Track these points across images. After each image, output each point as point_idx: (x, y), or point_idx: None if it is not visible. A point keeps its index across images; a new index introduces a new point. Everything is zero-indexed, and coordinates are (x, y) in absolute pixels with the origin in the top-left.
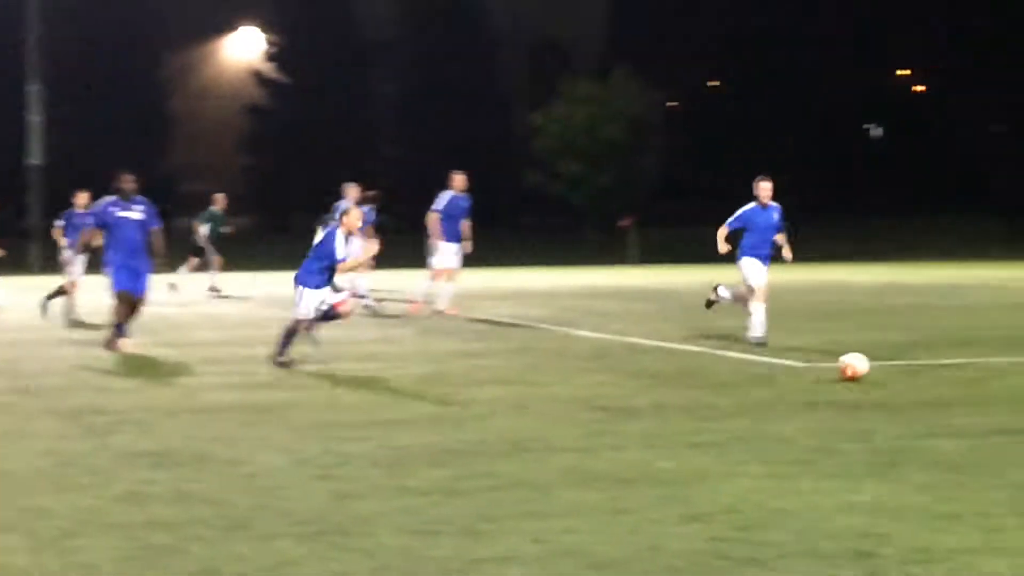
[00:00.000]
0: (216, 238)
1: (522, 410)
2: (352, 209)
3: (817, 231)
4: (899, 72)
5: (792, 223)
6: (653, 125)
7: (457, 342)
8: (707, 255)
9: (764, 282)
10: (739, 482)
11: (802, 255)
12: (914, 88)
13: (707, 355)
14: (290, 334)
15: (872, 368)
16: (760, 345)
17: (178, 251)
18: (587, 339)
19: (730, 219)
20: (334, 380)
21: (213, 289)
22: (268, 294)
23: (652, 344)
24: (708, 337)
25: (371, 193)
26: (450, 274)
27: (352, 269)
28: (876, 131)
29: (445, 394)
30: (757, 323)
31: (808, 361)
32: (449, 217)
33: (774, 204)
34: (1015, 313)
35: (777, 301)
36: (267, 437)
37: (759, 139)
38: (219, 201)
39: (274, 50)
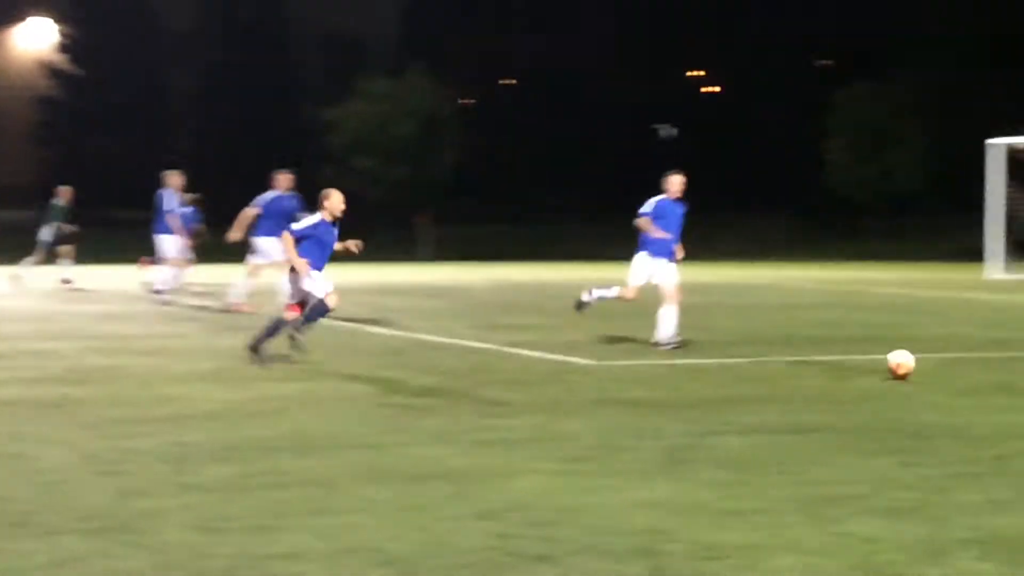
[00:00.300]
0: (57, 231)
1: (312, 406)
2: (333, 193)
3: (606, 231)
4: (691, 73)
5: (578, 223)
6: (447, 122)
7: (246, 338)
8: (502, 253)
9: (676, 281)
10: (529, 479)
11: (596, 255)
12: (705, 89)
13: (499, 352)
14: (276, 328)
15: (660, 367)
16: (678, 347)
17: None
18: (379, 336)
19: (645, 209)
20: (121, 375)
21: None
22: (63, 287)
23: (444, 341)
24: (500, 334)
25: (195, 196)
26: (259, 270)
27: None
28: (668, 131)
29: (234, 390)
30: (670, 326)
31: (599, 359)
32: (270, 216)
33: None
34: (801, 312)
35: (568, 300)
36: (52, 432)
37: (549, 137)
38: (63, 194)
39: (67, 41)
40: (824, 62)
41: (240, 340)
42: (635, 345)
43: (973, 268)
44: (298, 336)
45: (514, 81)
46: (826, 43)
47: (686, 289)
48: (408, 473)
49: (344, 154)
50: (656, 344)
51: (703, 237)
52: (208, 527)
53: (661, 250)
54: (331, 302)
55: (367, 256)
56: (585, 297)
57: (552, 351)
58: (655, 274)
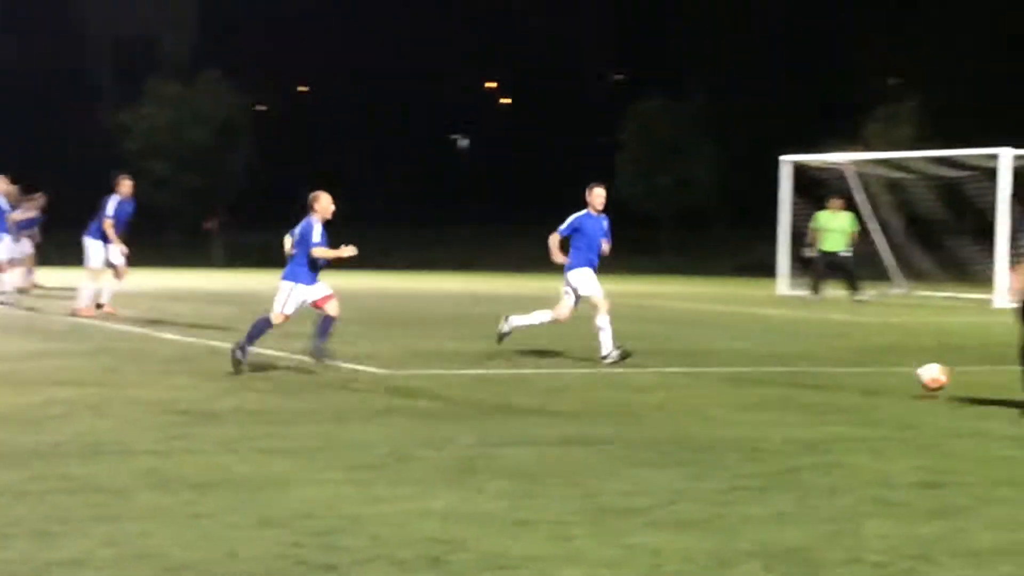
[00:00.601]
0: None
1: (100, 412)
2: (322, 195)
3: (402, 239)
4: (487, 84)
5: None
6: (240, 128)
7: (35, 341)
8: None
9: (602, 292)
10: (317, 487)
11: (386, 263)
12: (501, 100)
13: (287, 360)
14: (260, 330)
15: (451, 376)
16: (625, 357)
17: None
18: (169, 341)
19: (562, 226)
20: None
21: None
22: None
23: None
24: (291, 342)
25: (37, 196)
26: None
27: (328, 256)
28: (463, 142)
29: (20, 394)
30: (607, 338)
31: (387, 368)
32: (118, 221)
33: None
34: (586, 324)
35: (359, 308)
36: None
37: (345, 146)
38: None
39: None
40: (618, 76)
41: (30, 344)
42: (427, 355)
43: (764, 283)
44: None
45: (307, 88)
46: (620, 57)
47: (476, 299)
48: (195, 480)
49: (136, 159)
50: (603, 359)
51: (496, 249)
52: None
53: (582, 262)
54: (332, 310)
55: (159, 262)
56: (505, 327)
57: (344, 360)
58: (581, 287)
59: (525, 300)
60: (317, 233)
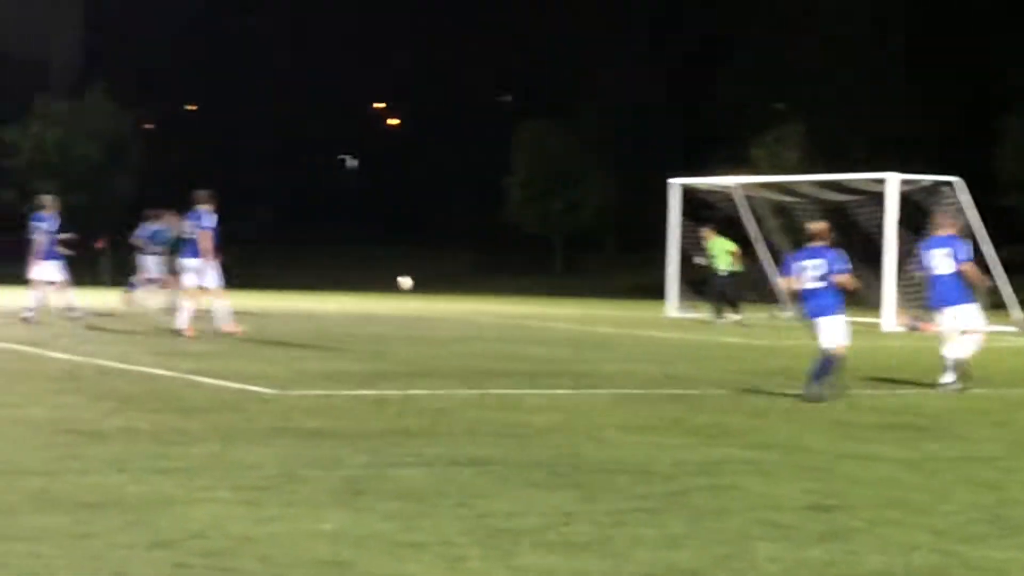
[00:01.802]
0: None
1: None
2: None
3: (289, 259)
4: (375, 105)
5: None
6: (129, 146)
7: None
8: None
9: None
10: (206, 507)
11: (275, 282)
12: (389, 121)
13: (177, 379)
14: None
15: (341, 397)
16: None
17: None
18: (57, 360)
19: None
20: None
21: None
22: None
23: (122, 367)
24: (179, 361)
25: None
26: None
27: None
28: (352, 163)
29: None
30: None
31: (279, 388)
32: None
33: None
34: (480, 345)
35: (248, 327)
36: None
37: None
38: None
39: None
40: (505, 98)
41: None
42: (316, 375)
43: (652, 305)
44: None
45: (195, 107)
46: (509, 79)
47: (363, 320)
48: (83, 500)
49: (22, 177)
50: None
51: (383, 269)
52: None
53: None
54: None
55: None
56: None
57: (232, 379)
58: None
59: (418, 320)
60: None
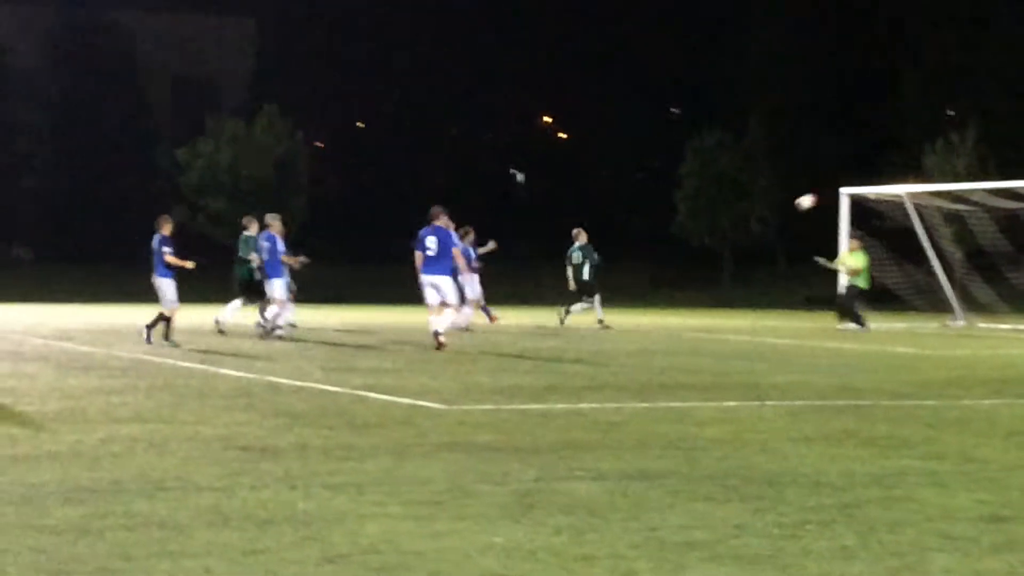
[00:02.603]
0: None
1: (161, 448)
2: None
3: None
4: (545, 119)
5: None
6: (299, 164)
7: (96, 378)
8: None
9: None
10: (377, 523)
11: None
12: (558, 135)
13: (347, 395)
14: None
15: (511, 412)
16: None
17: None
18: (229, 377)
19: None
20: None
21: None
22: None
23: (294, 384)
24: (351, 377)
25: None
26: None
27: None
28: (520, 176)
29: (82, 431)
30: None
31: (449, 403)
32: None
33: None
34: (652, 359)
35: (418, 344)
36: None
37: (406, 181)
38: None
39: None
40: (674, 110)
41: (91, 380)
42: (486, 390)
43: (823, 316)
44: None
45: (363, 125)
46: (676, 91)
47: (532, 334)
48: (256, 516)
49: (194, 195)
50: None
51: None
52: (55, 570)
53: None
54: None
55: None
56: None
57: (402, 395)
58: None
59: (590, 334)
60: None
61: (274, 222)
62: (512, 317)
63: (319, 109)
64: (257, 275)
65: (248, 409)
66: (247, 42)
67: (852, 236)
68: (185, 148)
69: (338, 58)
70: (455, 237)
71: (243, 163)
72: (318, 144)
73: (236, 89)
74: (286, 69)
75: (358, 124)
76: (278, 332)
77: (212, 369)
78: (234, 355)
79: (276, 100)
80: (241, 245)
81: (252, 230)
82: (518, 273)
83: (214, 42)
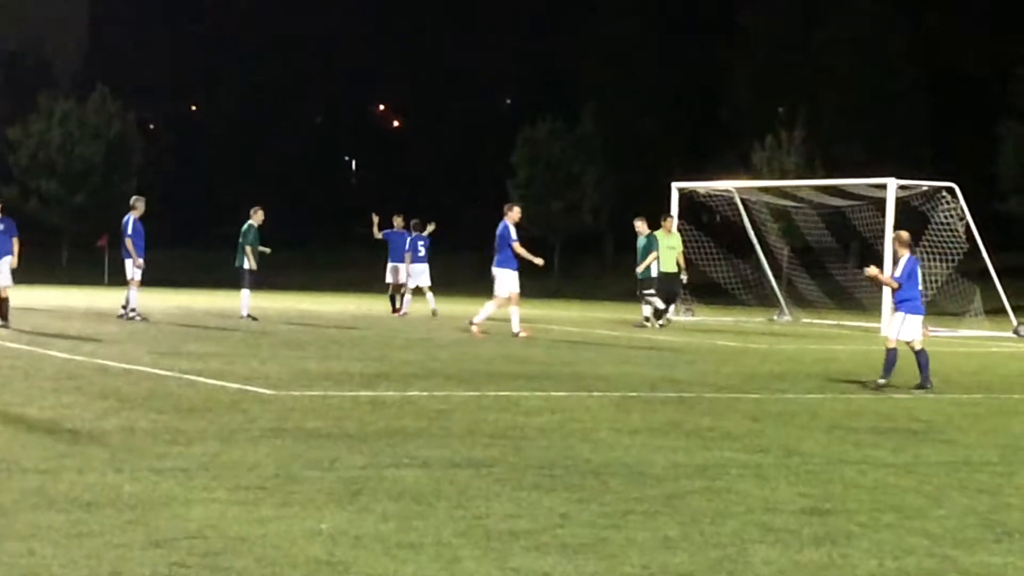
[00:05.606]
0: None
1: None
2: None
3: (295, 260)
4: (380, 106)
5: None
6: (131, 146)
7: None
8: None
9: None
10: (204, 507)
11: (276, 283)
12: (394, 123)
13: (175, 379)
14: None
15: (340, 398)
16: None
17: None
18: (57, 359)
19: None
20: None
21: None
22: None
23: (122, 366)
24: (180, 361)
25: None
26: None
27: None
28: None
29: None
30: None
31: (275, 388)
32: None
33: None
34: (478, 347)
35: (247, 327)
36: None
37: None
38: None
39: None
40: (507, 100)
41: None
42: (315, 376)
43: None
44: None
45: (195, 107)
46: (511, 81)
47: (365, 321)
48: (81, 499)
49: (26, 174)
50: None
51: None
52: None
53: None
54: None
55: (52, 279)
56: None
57: (231, 380)
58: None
59: (418, 322)
60: None
61: (138, 204)
62: (349, 304)
63: (153, 91)
64: (247, 264)
65: (75, 391)
66: (79, 19)
67: (668, 216)
68: (15, 128)
69: (176, 38)
70: (513, 232)
71: (74, 143)
72: (152, 126)
73: (69, 66)
74: (119, 48)
75: (192, 107)
76: (133, 314)
77: (40, 351)
78: (62, 336)
79: (109, 79)
80: (245, 235)
81: (256, 219)
82: (352, 261)
83: (48, 18)
